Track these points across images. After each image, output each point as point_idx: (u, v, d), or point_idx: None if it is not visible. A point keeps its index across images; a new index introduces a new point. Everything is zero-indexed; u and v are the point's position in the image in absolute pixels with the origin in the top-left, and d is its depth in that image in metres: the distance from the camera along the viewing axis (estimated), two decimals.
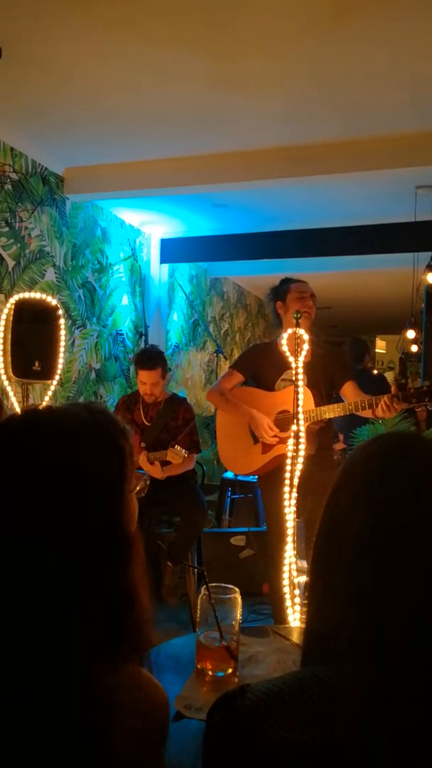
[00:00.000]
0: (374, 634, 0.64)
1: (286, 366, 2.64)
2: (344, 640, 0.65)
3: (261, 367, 2.81)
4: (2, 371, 2.61)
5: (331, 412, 2.55)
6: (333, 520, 0.73)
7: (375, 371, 6.53)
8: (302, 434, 2.19)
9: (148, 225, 5.33)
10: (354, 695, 0.62)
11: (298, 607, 2.08)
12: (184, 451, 3.17)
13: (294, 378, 2.23)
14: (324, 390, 2.73)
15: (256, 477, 2.94)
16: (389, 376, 9.35)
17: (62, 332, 2.77)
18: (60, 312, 2.77)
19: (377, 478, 0.70)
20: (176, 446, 3.18)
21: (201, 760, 0.70)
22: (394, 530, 0.66)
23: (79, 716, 0.65)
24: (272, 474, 2.65)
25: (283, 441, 2.60)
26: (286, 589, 2.11)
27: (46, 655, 0.66)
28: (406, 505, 0.67)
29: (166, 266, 5.61)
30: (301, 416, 2.19)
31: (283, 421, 2.65)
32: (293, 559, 2.12)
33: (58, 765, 0.64)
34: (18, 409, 2.69)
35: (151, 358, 3.40)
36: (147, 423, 3.47)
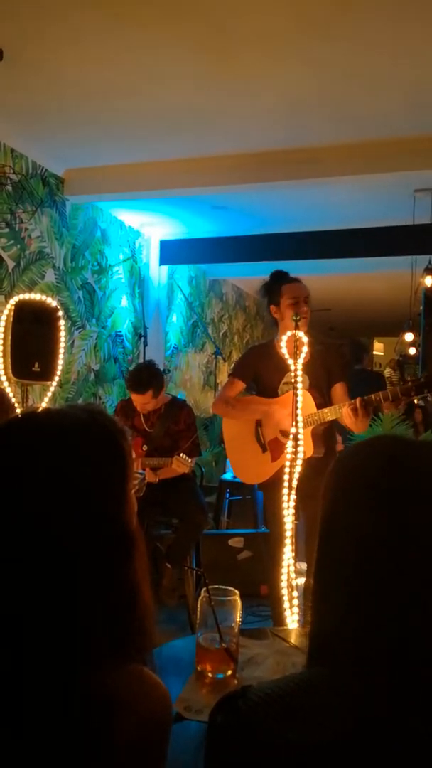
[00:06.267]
0: (375, 636, 0.64)
1: (287, 368, 2.62)
2: (346, 642, 0.66)
3: (261, 371, 2.74)
4: (2, 372, 2.61)
5: (331, 414, 2.52)
6: (332, 523, 0.73)
7: (372, 369, 6.55)
8: (301, 437, 2.20)
9: (148, 227, 5.34)
10: (355, 696, 0.63)
11: (296, 609, 2.08)
12: (189, 459, 3.10)
13: (293, 381, 2.24)
14: (325, 389, 2.68)
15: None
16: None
17: (62, 333, 2.77)
18: (60, 313, 2.77)
19: (372, 481, 0.71)
20: (181, 454, 3.11)
21: (202, 762, 0.71)
22: (392, 532, 0.66)
23: (80, 715, 0.65)
24: (275, 476, 2.65)
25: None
26: (284, 591, 2.12)
27: (48, 654, 0.67)
28: (403, 507, 0.67)
29: (165, 268, 5.62)
30: (300, 419, 2.19)
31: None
32: (291, 561, 2.13)
33: (60, 764, 0.64)
34: (18, 411, 2.71)
35: (140, 382, 3.21)
36: (149, 429, 3.39)
